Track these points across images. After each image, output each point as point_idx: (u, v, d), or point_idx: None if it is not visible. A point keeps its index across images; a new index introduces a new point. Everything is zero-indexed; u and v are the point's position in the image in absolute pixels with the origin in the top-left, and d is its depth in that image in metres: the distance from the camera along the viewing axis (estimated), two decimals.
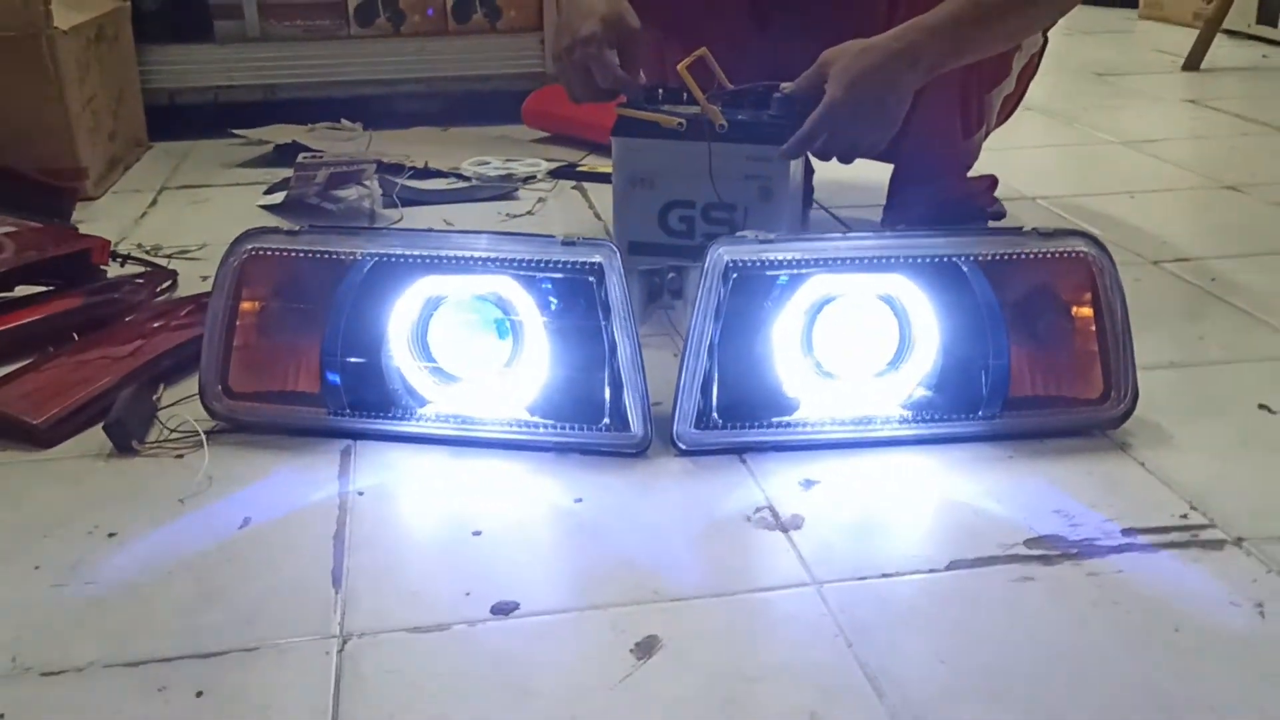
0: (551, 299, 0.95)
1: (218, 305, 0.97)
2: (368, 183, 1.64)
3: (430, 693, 0.69)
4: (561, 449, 0.95)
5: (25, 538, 0.85)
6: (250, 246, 0.97)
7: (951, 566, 0.80)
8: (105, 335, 1.14)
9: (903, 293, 0.96)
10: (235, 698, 0.69)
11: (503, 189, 1.72)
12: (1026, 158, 1.89)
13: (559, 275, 0.93)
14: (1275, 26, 2.91)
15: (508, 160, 1.85)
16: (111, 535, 0.85)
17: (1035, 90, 1.47)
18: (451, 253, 0.95)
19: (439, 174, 1.80)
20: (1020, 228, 0.96)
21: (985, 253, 0.95)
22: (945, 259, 0.95)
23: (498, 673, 0.71)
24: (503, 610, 0.76)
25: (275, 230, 0.98)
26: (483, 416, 0.96)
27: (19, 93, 1.65)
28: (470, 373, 0.97)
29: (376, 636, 0.74)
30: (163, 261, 1.40)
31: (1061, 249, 0.95)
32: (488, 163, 1.83)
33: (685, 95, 1.22)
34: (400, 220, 1.59)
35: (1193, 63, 2.63)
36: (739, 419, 0.95)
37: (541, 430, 0.95)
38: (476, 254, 0.94)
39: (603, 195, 1.61)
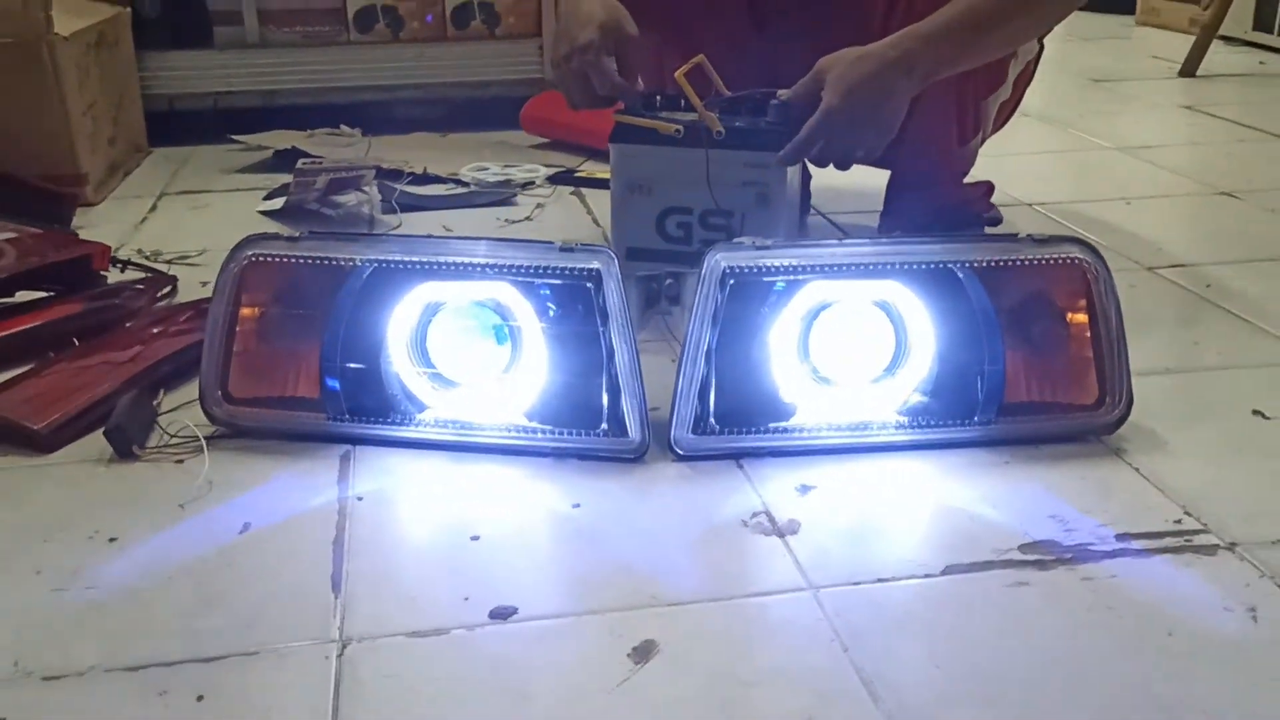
0: (550, 305, 0.95)
1: (218, 311, 0.97)
2: (367, 188, 1.64)
3: (429, 697, 0.70)
4: (559, 454, 0.96)
5: (26, 542, 0.86)
6: (250, 253, 0.97)
7: (947, 571, 0.80)
8: (106, 341, 1.14)
9: (899, 299, 0.96)
10: (235, 702, 0.69)
11: (501, 195, 1.73)
12: (1023, 164, 1.89)
13: (557, 281, 0.94)
14: (1271, 33, 2.92)
15: (506, 166, 1.86)
16: (112, 540, 0.86)
17: (1032, 96, 1.48)
18: (450, 259, 0.95)
19: (438, 180, 1.80)
20: (1015, 234, 0.97)
21: (981, 259, 0.95)
22: (941, 265, 0.95)
23: (496, 677, 0.71)
24: (501, 615, 0.76)
25: (275, 236, 0.98)
26: (481, 422, 0.97)
27: (19, 98, 1.66)
28: (469, 378, 0.98)
29: (376, 641, 0.74)
30: (163, 267, 1.41)
31: (1056, 255, 0.96)
32: (486, 168, 1.84)
33: (683, 102, 1.22)
34: (399, 226, 1.60)
35: (1189, 69, 2.64)
36: (736, 424, 0.95)
37: (540, 435, 0.96)
38: (475, 260, 0.95)
39: (601, 201, 1.62)
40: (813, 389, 0.97)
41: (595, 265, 0.92)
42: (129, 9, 2.00)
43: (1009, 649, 0.73)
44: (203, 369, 0.98)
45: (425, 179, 1.80)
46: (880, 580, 0.80)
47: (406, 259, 0.96)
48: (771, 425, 0.96)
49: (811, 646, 0.73)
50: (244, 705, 0.69)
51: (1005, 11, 1.18)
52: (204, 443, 0.96)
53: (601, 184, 1.70)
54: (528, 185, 1.78)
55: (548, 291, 0.95)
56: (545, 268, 0.94)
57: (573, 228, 1.60)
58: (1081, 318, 0.97)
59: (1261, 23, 2.95)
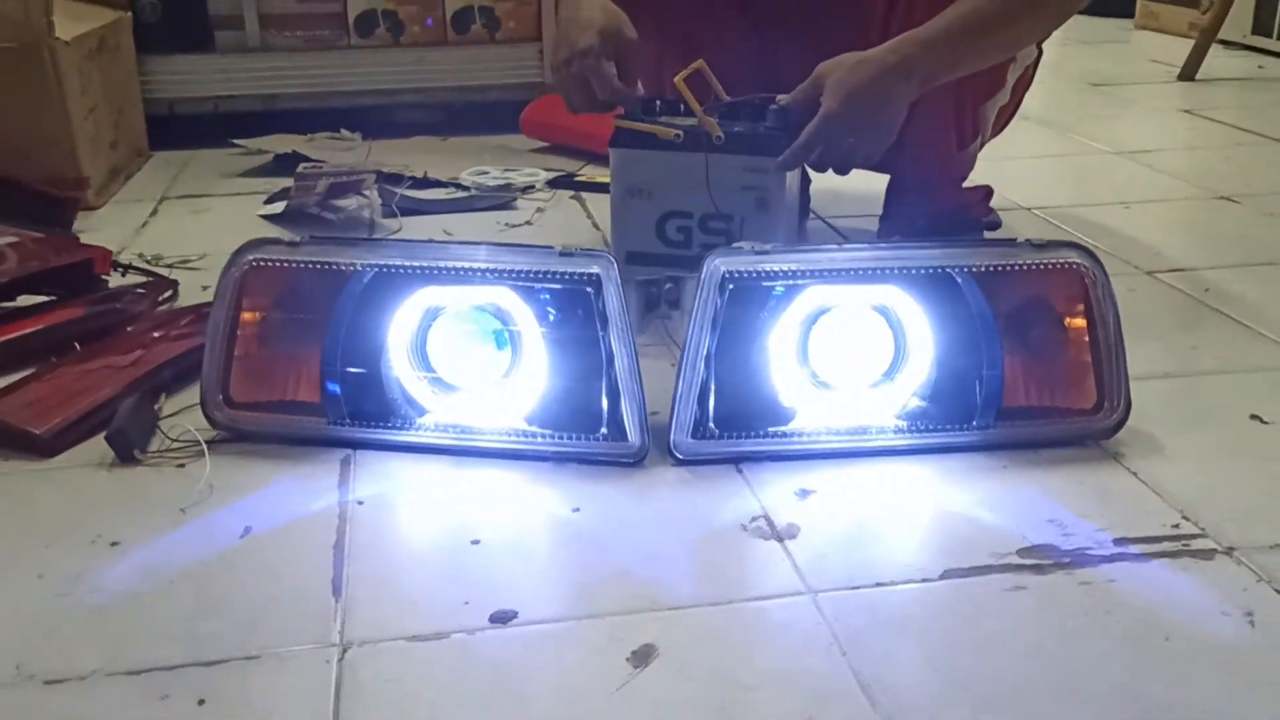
0: (550, 309, 0.95)
1: (219, 315, 0.98)
2: (367, 193, 1.65)
3: (429, 701, 0.70)
4: (559, 459, 0.96)
5: (28, 546, 0.86)
6: (251, 257, 0.98)
7: (945, 576, 0.81)
8: (107, 345, 1.15)
9: (897, 304, 0.97)
10: (236, 705, 0.69)
11: (501, 199, 1.73)
12: (1022, 168, 1.90)
13: (557, 286, 0.94)
14: (1270, 36, 2.93)
15: (506, 170, 1.86)
16: (114, 544, 0.86)
17: (1031, 100, 1.48)
18: (450, 264, 0.96)
19: (438, 184, 1.81)
20: (1014, 239, 0.97)
21: (979, 264, 0.96)
22: (939, 270, 0.96)
23: (496, 681, 0.71)
24: (501, 619, 0.77)
25: (276, 241, 0.99)
26: (481, 426, 0.97)
27: (21, 103, 1.66)
28: (469, 383, 0.98)
29: (376, 645, 0.74)
30: (164, 271, 1.41)
31: (1054, 260, 0.96)
32: (486, 172, 1.84)
33: (682, 107, 1.23)
34: (399, 230, 1.60)
35: (1188, 73, 2.64)
36: (735, 429, 0.96)
37: (540, 440, 0.96)
38: (475, 265, 0.95)
39: (600, 205, 1.62)
40: (812, 393, 0.97)
41: (595, 270, 0.93)
42: (130, 13, 2.01)
43: (1006, 653, 0.73)
44: (204, 373, 0.98)
45: (425, 183, 1.80)
46: (879, 584, 0.80)
47: (407, 264, 0.96)
48: (771, 430, 0.96)
49: (810, 650, 0.73)
50: (245, 709, 0.69)
51: (1004, 17, 1.18)
52: (205, 447, 0.97)
53: (601, 188, 1.71)
54: (528, 189, 1.79)
55: (548, 296, 0.95)
56: (545, 272, 0.94)
57: (573, 232, 1.61)
58: (1080, 322, 0.97)
59: (1260, 27, 2.96)
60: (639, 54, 1.23)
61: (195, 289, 1.34)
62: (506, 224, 1.64)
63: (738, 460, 0.96)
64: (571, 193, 1.79)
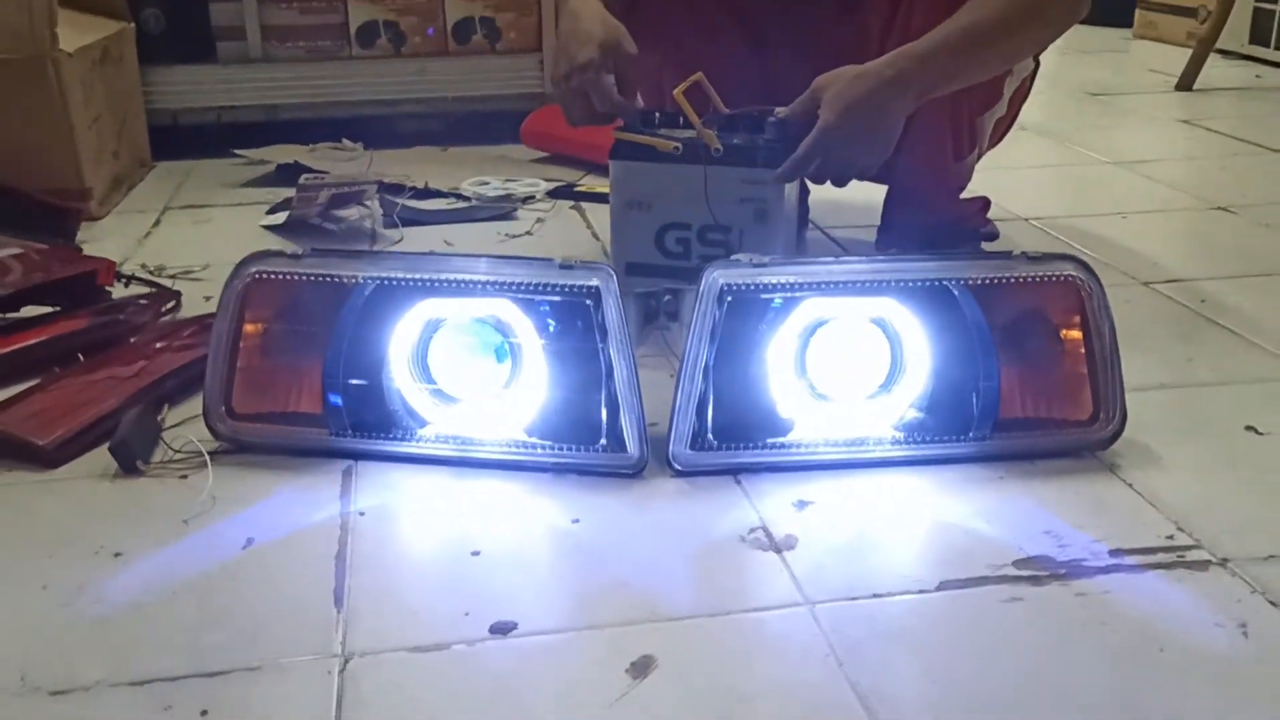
0: (549, 321, 0.96)
1: (221, 327, 0.98)
2: (369, 203, 1.65)
3: (430, 711, 0.71)
4: (559, 470, 0.97)
5: (32, 557, 0.87)
6: (254, 270, 0.99)
7: (942, 587, 0.81)
8: (110, 356, 1.15)
9: (895, 316, 0.97)
10: (239, 716, 0.70)
11: (502, 209, 1.74)
12: (1020, 178, 1.91)
13: (557, 298, 0.95)
14: (1268, 46, 2.94)
15: (507, 180, 1.87)
16: (117, 555, 0.87)
17: (1029, 109, 1.49)
18: (451, 276, 0.97)
19: (439, 194, 1.82)
20: (1010, 251, 0.98)
21: (975, 277, 0.97)
22: (936, 283, 0.96)
23: (496, 692, 0.72)
24: (501, 630, 0.77)
25: (279, 254, 0.99)
26: (482, 437, 0.98)
27: (24, 114, 1.67)
28: (469, 394, 0.99)
29: (377, 656, 0.75)
30: (166, 282, 1.42)
31: (1050, 273, 0.97)
32: (487, 183, 1.85)
33: (681, 119, 1.23)
34: (401, 240, 1.61)
35: (1186, 82, 2.65)
36: (734, 440, 0.96)
37: (539, 451, 0.97)
38: (476, 277, 0.96)
39: (600, 215, 1.63)
40: (810, 405, 0.98)
41: (594, 282, 0.94)
42: (133, 25, 2.02)
43: (1003, 664, 0.74)
44: (206, 385, 0.99)
45: (426, 193, 1.81)
46: (876, 595, 0.81)
47: (408, 276, 0.97)
48: (769, 441, 0.97)
49: (807, 661, 0.74)
50: (248, 719, 0.70)
51: (1001, 30, 1.19)
52: (208, 458, 0.97)
53: (601, 198, 1.72)
54: (528, 199, 1.79)
55: (547, 308, 0.96)
56: (545, 285, 0.95)
57: (572, 242, 1.61)
58: (1076, 334, 0.98)
59: (1258, 36, 2.97)
60: (638, 67, 1.24)
61: (198, 300, 1.35)
62: (507, 234, 1.65)
63: (736, 471, 0.96)
64: (572, 203, 1.80)
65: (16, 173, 1.58)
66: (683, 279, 1.13)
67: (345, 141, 2.08)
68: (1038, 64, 1.41)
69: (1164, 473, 0.96)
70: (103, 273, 1.32)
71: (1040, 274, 0.97)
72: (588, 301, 0.94)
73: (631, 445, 0.95)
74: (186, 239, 1.65)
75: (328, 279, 0.98)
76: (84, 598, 0.82)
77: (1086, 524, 0.88)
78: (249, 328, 0.99)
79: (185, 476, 0.97)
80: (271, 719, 0.70)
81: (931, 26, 1.17)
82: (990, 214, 1.55)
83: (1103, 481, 0.95)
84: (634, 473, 0.95)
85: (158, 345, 1.17)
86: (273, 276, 0.99)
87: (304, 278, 0.98)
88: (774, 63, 1.37)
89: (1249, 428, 1.04)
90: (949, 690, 0.71)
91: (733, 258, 0.97)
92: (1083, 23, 1.25)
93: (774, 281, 0.95)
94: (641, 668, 0.73)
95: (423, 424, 0.99)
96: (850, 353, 0.98)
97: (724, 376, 0.95)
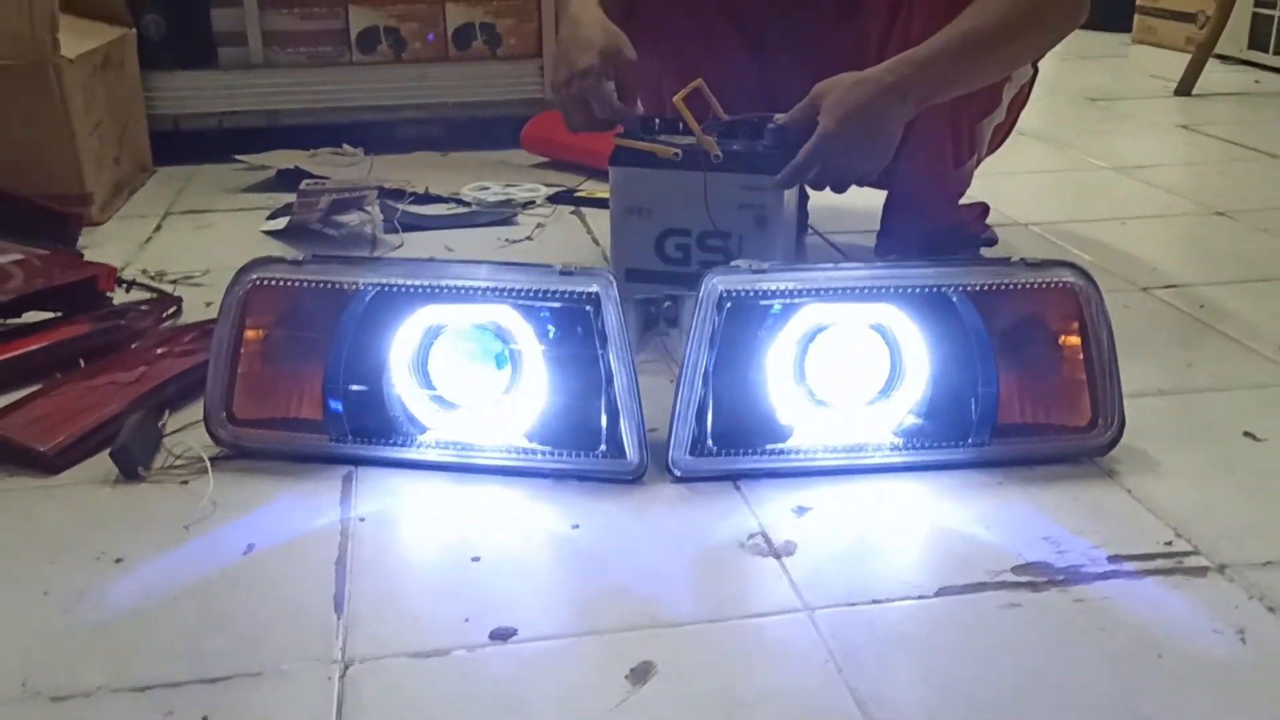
0: (550, 327, 0.96)
1: (222, 333, 0.99)
2: (369, 208, 1.66)
3: (430, 717, 0.71)
4: (559, 475, 0.97)
5: (33, 563, 0.87)
6: (255, 276, 0.99)
7: (941, 593, 0.82)
8: (111, 362, 1.16)
9: (894, 322, 0.98)
10: None
11: (502, 214, 1.75)
12: (1020, 183, 1.91)
13: (557, 304, 0.95)
14: (1267, 51, 2.94)
15: (507, 186, 1.87)
16: (118, 561, 0.87)
17: (1028, 115, 1.50)
18: (451, 282, 0.97)
19: (439, 199, 1.82)
20: (1009, 258, 0.98)
21: (974, 283, 0.97)
22: (935, 289, 0.97)
23: (496, 697, 0.72)
24: (501, 636, 0.78)
25: (279, 260, 1.00)
26: (482, 443, 0.98)
27: (26, 120, 1.67)
28: (469, 400, 0.99)
29: (378, 661, 0.75)
30: (167, 288, 1.42)
31: (1049, 279, 0.97)
32: (487, 188, 1.86)
33: (681, 125, 1.24)
34: (401, 245, 1.61)
35: (1185, 87, 2.66)
36: (733, 446, 0.97)
37: (539, 457, 0.97)
38: (476, 284, 0.96)
39: (600, 220, 1.63)
40: (809, 411, 0.98)
41: (594, 289, 0.94)
42: (134, 30, 2.02)
43: (1001, 670, 0.74)
44: (207, 391, 0.99)
45: (427, 198, 1.81)
46: (875, 601, 0.81)
47: (408, 282, 0.97)
48: (768, 447, 0.97)
49: (807, 667, 0.74)
50: None
51: (1000, 36, 1.19)
52: (208, 464, 0.98)
53: (601, 203, 1.72)
54: (528, 205, 1.80)
55: (547, 314, 0.96)
56: (545, 291, 0.95)
57: (572, 247, 1.62)
58: (1074, 341, 0.98)
59: (1257, 41, 2.97)
60: (638, 73, 1.24)
61: (199, 305, 1.35)
62: (507, 239, 1.65)
63: (735, 477, 0.97)
64: (572, 208, 1.80)
65: (17, 178, 1.59)
66: (682, 285, 1.13)
67: (346, 147, 2.08)
68: (1036, 70, 1.41)
69: (1162, 479, 0.96)
70: (104, 278, 1.33)
71: (1039, 280, 0.97)
72: (588, 307, 0.94)
73: (631, 451, 0.95)
74: (187, 244, 1.65)
75: (328, 285, 0.98)
76: (85, 603, 0.82)
77: (1085, 530, 0.89)
78: (250, 333, 1.00)
79: (186, 482, 0.97)
80: None
81: (931, 32, 1.17)
82: (989, 219, 1.55)
83: (1101, 487, 0.95)
84: (634, 478, 0.96)
85: (159, 351, 1.17)
86: (274, 282, 0.99)
87: (305, 284, 0.99)
88: (773, 69, 1.38)
89: (1247, 433, 1.04)
90: (948, 696, 0.72)
91: (732, 264, 0.97)
92: (1082, 28, 1.25)
93: (773, 287, 0.96)
94: (641, 673, 0.74)
95: (423, 430, 0.99)
96: (849, 359, 0.98)
97: (723, 382, 0.96)
